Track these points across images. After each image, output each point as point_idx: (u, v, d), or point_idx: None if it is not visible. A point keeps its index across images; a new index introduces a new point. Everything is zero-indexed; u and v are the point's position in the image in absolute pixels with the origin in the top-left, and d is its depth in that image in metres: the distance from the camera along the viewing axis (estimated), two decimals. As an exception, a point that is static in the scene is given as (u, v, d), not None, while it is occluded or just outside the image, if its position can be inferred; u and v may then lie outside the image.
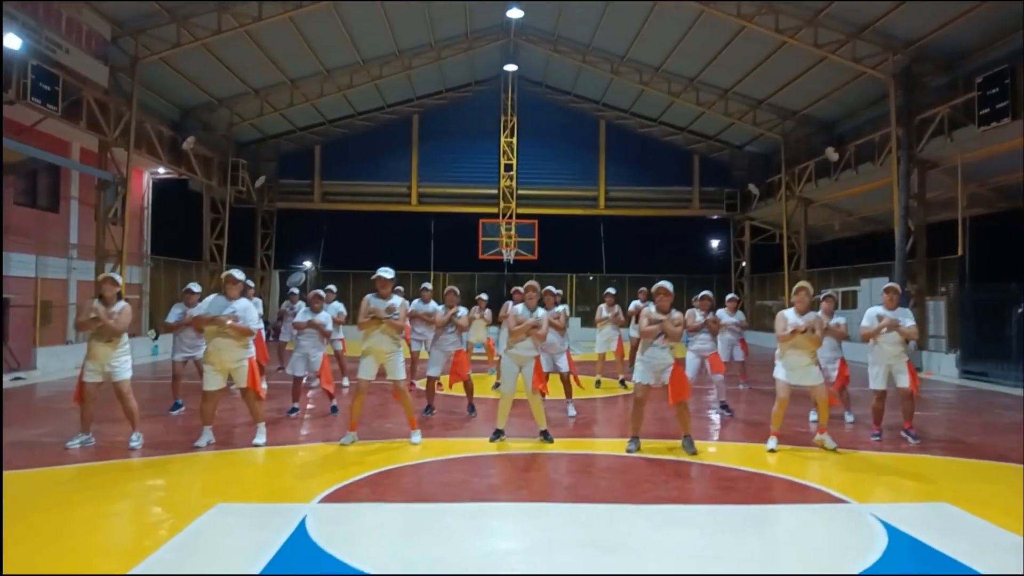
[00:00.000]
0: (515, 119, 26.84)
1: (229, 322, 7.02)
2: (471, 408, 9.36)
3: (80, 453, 6.87)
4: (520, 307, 7.65)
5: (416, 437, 7.53)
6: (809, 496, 5.80)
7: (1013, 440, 8.11)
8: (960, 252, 15.79)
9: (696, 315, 9.42)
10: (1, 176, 13.04)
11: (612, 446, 7.60)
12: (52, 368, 13.88)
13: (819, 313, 7.67)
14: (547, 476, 6.54)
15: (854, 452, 7.35)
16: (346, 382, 11.75)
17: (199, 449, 7.07)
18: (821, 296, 8.68)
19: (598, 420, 9.67)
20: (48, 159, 14.71)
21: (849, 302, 21.09)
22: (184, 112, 21.40)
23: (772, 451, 7.24)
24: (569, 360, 9.50)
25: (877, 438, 7.91)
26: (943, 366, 15.70)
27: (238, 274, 7.33)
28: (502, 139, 26.82)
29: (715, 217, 28.59)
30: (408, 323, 9.86)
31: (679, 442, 7.29)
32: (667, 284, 7.26)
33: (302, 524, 4.77)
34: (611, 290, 12.76)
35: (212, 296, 7.35)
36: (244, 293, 7.64)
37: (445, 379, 9.43)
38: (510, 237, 26.59)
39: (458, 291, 9.73)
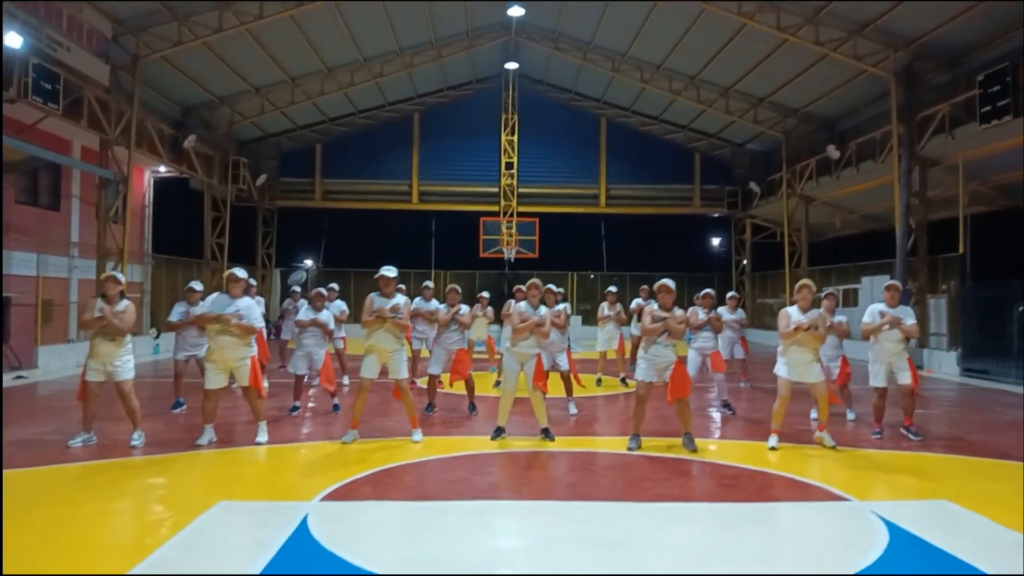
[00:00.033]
0: (516, 117, 26.82)
1: (234, 320, 7.03)
2: (472, 406, 9.36)
3: (82, 451, 6.88)
4: (523, 304, 7.66)
5: (417, 435, 7.54)
6: (810, 494, 5.80)
7: (1014, 438, 8.11)
8: (961, 250, 15.79)
9: (699, 313, 9.43)
10: (1, 175, 13.05)
11: (613, 444, 7.61)
12: (54, 367, 13.89)
13: (822, 310, 7.68)
14: (548, 474, 6.55)
15: (855, 450, 7.36)
16: (346, 381, 11.76)
17: (201, 447, 7.08)
18: (822, 294, 8.68)
19: (599, 418, 9.67)
20: (49, 158, 14.72)
21: (850, 300, 21.08)
22: (185, 110, 21.40)
23: (773, 449, 7.25)
24: (569, 358, 9.50)
25: (878, 436, 7.91)
26: (944, 364, 15.69)
27: (240, 273, 7.34)
28: (503, 137, 26.81)
29: (716, 215, 28.56)
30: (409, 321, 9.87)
31: (680, 440, 7.30)
32: (669, 282, 7.26)
33: (304, 522, 4.77)
34: (613, 288, 12.77)
35: (215, 294, 7.36)
36: (247, 292, 7.66)
37: (445, 377, 9.44)
38: (511, 235, 26.60)
39: (460, 289, 9.75)
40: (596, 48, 22.72)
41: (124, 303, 7.11)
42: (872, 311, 7.98)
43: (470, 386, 9.37)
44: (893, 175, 16.96)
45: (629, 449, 7.18)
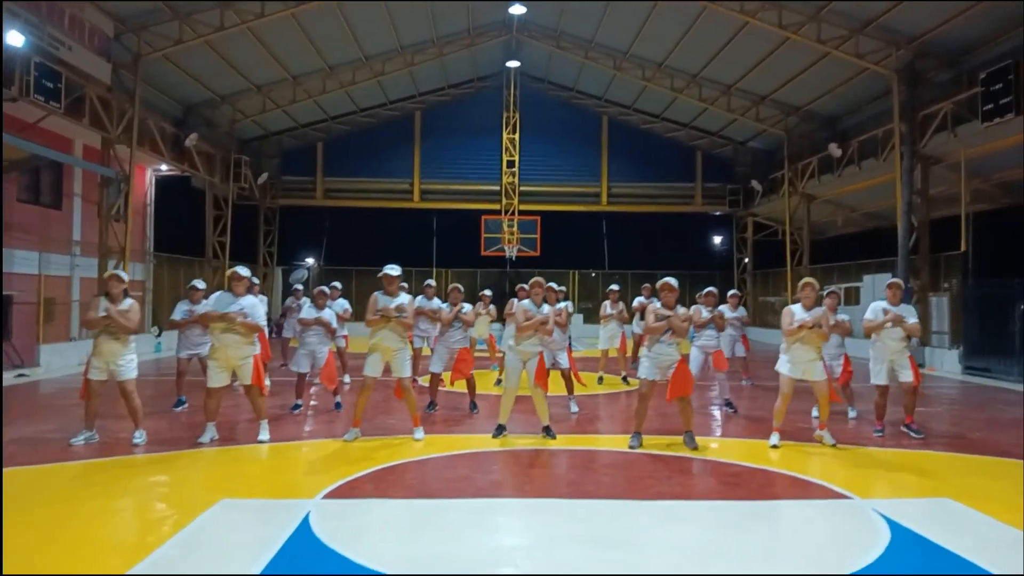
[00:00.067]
0: (517, 115, 26.79)
1: (239, 319, 7.03)
2: (473, 405, 9.37)
3: (84, 449, 6.89)
4: (527, 303, 7.67)
5: (419, 433, 7.55)
6: (812, 492, 5.80)
7: (1016, 436, 8.10)
8: (963, 248, 15.77)
9: (702, 311, 9.42)
10: (1, 173, 13.06)
11: (614, 442, 7.61)
12: (55, 365, 13.92)
13: (824, 308, 7.67)
14: (550, 472, 6.55)
15: (857, 448, 7.36)
16: (347, 379, 11.77)
17: (203, 445, 7.09)
18: (824, 293, 8.67)
19: (600, 416, 9.67)
20: (51, 156, 14.73)
21: (852, 298, 21.05)
22: (187, 109, 21.41)
23: (775, 447, 7.25)
24: (569, 357, 9.51)
25: (879, 434, 7.91)
26: (946, 362, 15.68)
27: (243, 271, 7.34)
28: (504, 135, 26.79)
29: (718, 213, 28.54)
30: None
31: (681, 438, 7.30)
32: (672, 280, 7.27)
33: (306, 520, 4.78)
34: (614, 287, 12.79)
35: (218, 293, 7.37)
36: (250, 290, 7.67)
37: (446, 376, 9.44)
38: (512, 234, 26.58)
39: (462, 288, 9.75)
40: (597, 46, 22.69)
41: (128, 301, 7.12)
42: (875, 308, 7.97)
43: (471, 384, 9.37)
44: (895, 173, 16.95)
45: (630, 447, 7.18)
